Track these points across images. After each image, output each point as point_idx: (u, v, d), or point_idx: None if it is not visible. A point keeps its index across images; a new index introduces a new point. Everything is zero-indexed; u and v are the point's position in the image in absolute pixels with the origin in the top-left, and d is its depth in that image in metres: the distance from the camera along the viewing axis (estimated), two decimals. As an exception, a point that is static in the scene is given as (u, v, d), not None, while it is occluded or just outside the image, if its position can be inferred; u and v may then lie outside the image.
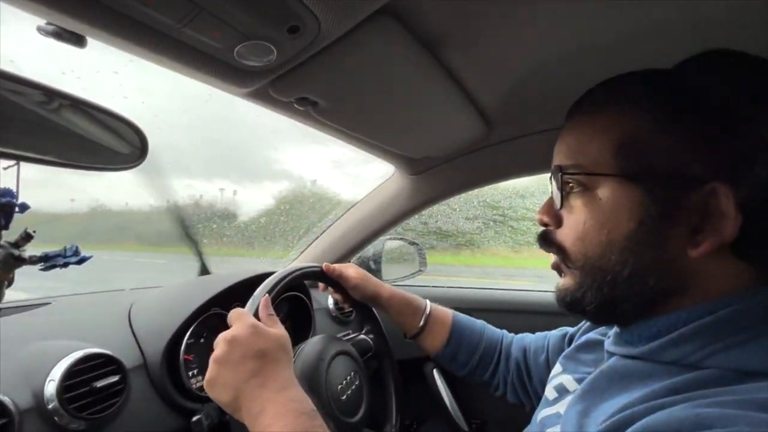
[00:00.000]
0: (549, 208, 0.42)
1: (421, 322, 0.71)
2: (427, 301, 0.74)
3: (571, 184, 0.39)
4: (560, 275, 0.42)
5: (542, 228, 0.43)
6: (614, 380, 0.36)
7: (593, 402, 0.36)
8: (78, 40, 0.41)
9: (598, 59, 0.55)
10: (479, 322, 0.74)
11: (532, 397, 0.67)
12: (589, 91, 0.41)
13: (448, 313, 0.73)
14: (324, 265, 0.73)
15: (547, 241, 0.42)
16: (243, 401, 0.44)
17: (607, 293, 0.37)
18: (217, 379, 0.46)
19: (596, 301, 0.37)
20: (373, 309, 0.83)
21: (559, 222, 0.41)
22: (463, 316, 0.74)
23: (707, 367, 0.31)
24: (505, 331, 0.74)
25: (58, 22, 0.38)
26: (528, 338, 0.70)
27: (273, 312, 0.55)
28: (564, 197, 0.39)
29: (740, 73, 0.34)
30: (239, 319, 0.51)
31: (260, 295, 0.58)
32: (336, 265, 0.73)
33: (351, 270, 0.73)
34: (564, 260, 0.40)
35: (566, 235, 0.40)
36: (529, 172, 0.90)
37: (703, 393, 0.29)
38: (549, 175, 0.43)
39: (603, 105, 0.38)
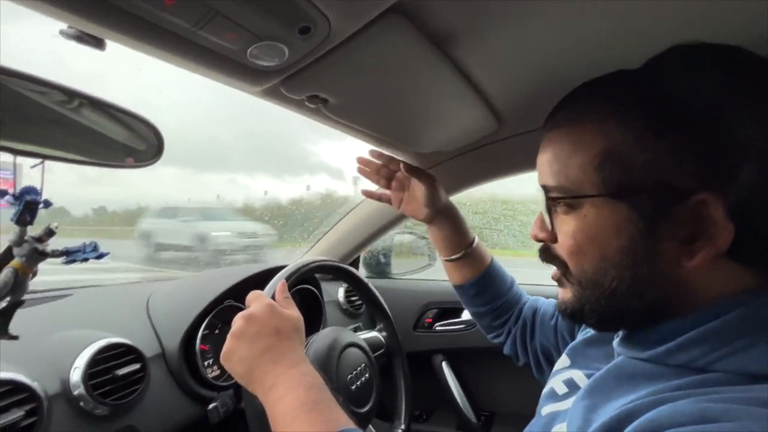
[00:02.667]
0: (542, 223, 0.42)
1: (462, 252, 0.72)
2: (476, 238, 0.76)
3: (557, 202, 0.39)
4: (560, 286, 0.42)
5: (540, 242, 0.43)
6: (622, 379, 0.36)
7: (601, 399, 0.36)
8: (97, 43, 0.43)
9: (609, 52, 0.55)
10: (510, 277, 0.76)
11: (530, 355, 0.69)
12: (561, 102, 0.40)
13: (489, 255, 0.76)
14: (402, 164, 0.72)
15: (548, 254, 0.42)
16: (256, 374, 0.47)
17: (606, 306, 0.37)
18: (233, 352, 0.48)
19: (595, 315, 0.38)
20: (386, 308, 0.84)
21: (553, 237, 0.41)
22: (500, 266, 0.76)
23: (715, 370, 0.31)
24: (525, 293, 0.76)
25: (79, 26, 0.40)
26: (541, 300, 0.73)
27: (289, 295, 0.57)
28: (552, 215, 0.40)
29: (715, 73, 0.33)
30: (257, 299, 0.53)
31: (278, 281, 0.61)
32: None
33: (426, 181, 0.71)
34: (565, 273, 0.40)
35: (562, 249, 0.39)
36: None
37: (709, 390, 0.29)
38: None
39: (578, 117, 0.37)
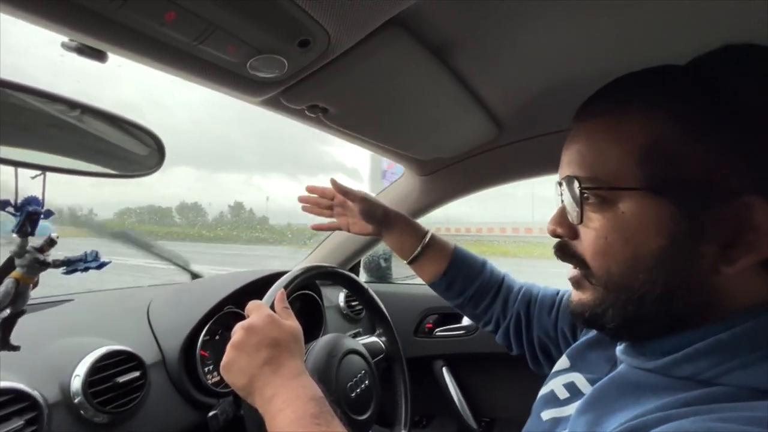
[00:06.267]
0: (562, 218, 0.39)
1: (419, 248, 0.71)
2: (431, 230, 0.74)
3: (587, 196, 0.35)
4: (575, 288, 0.39)
5: (558, 239, 0.40)
6: (626, 390, 0.34)
7: (604, 411, 0.34)
8: (99, 56, 0.43)
9: (608, 59, 0.55)
10: (482, 259, 0.73)
11: (525, 347, 0.67)
12: (601, 90, 0.37)
13: (450, 244, 0.73)
14: (332, 183, 0.73)
15: (566, 252, 0.39)
16: (256, 386, 0.46)
17: (632, 312, 0.34)
18: (233, 363, 0.48)
19: (618, 319, 0.35)
20: (386, 312, 0.84)
21: (574, 233, 0.38)
22: (465, 251, 0.73)
23: (722, 384, 0.30)
24: (508, 273, 0.73)
25: (81, 39, 0.40)
26: (536, 289, 0.68)
27: (288, 305, 0.57)
28: (581, 210, 0.35)
29: None
30: (257, 309, 0.53)
31: (276, 290, 0.60)
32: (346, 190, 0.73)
33: (357, 198, 0.72)
34: (587, 275, 0.37)
35: (585, 248, 0.36)
36: (539, 173, 0.90)
37: (715, 407, 0.28)
38: (557, 179, 0.40)
39: (621, 107, 0.34)
